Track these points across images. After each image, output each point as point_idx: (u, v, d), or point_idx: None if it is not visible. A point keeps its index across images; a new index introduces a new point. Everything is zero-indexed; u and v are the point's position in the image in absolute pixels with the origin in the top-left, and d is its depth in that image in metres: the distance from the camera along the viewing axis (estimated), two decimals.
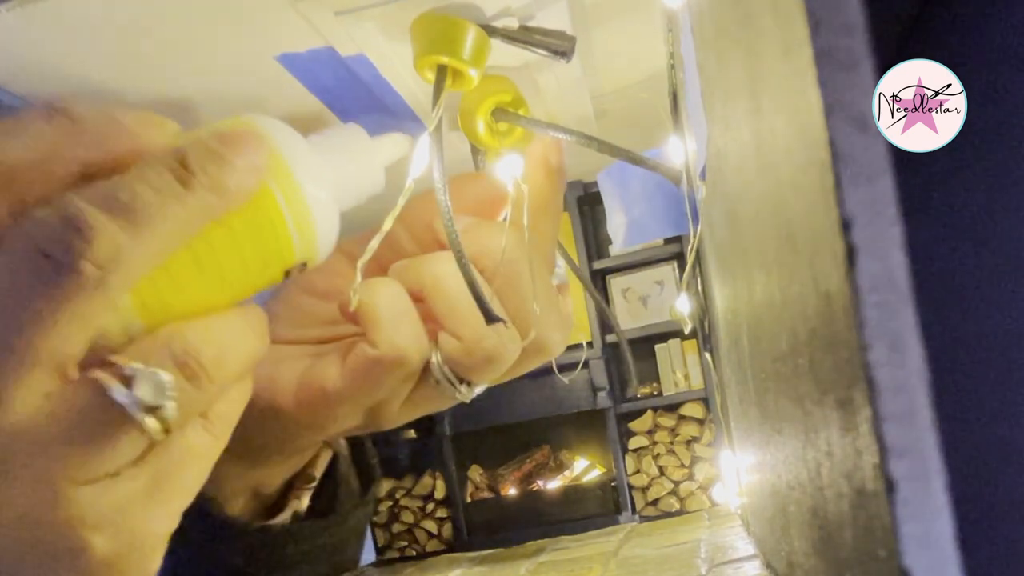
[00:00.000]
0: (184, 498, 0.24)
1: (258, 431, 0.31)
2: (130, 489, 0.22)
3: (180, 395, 0.22)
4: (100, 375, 0.21)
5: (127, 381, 0.21)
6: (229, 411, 0.25)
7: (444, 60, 0.31)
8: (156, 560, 0.23)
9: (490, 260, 0.31)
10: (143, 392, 0.21)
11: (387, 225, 0.29)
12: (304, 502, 0.39)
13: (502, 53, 0.33)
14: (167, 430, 0.22)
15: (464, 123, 0.33)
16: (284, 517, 0.37)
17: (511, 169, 0.32)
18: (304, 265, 0.27)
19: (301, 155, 0.26)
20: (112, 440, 0.21)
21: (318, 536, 0.38)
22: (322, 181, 0.27)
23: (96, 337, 0.21)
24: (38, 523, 0.21)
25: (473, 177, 0.34)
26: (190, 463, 0.23)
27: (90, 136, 0.22)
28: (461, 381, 0.32)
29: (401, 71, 0.36)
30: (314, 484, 0.39)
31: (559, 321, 0.34)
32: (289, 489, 0.39)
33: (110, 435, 0.21)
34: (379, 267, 0.34)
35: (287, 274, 0.27)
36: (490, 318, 0.30)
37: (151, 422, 0.21)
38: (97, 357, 0.21)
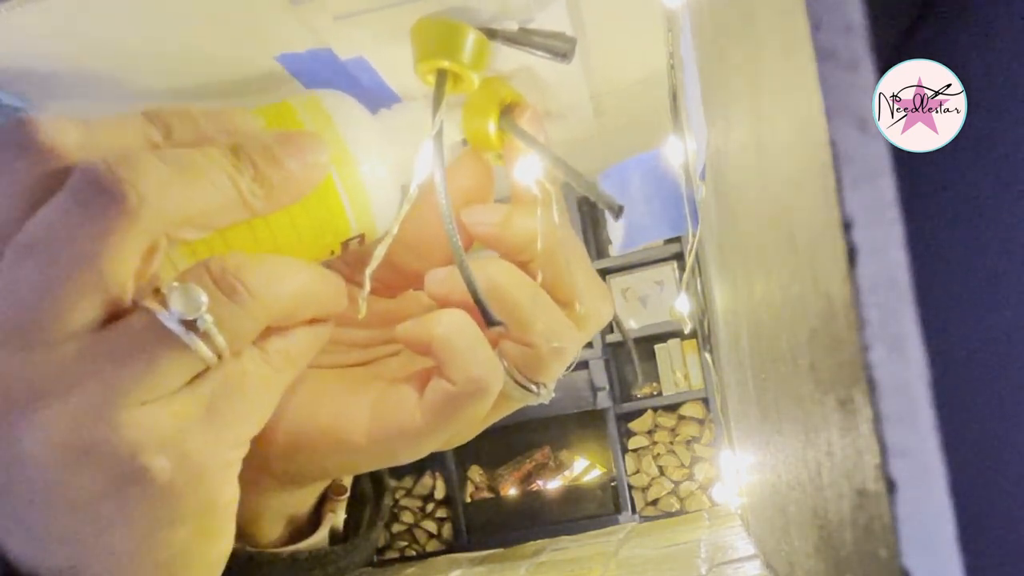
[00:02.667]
0: (243, 426, 0.24)
1: (322, 462, 0.31)
2: (187, 412, 0.22)
3: (219, 309, 0.22)
4: (148, 302, 0.22)
5: (166, 301, 0.22)
6: (291, 348, 0.26)
7: (444, 64, 0.31)
8: (223, 493, 0.24)
9: (534, 249, 0.31)
10: (176, 303, 0.22)
11: (394, 229, 0.29)
12: (340, 515, 0.38)
13: (502, 55, 0.33)
14: (218, 353, 0.23)
15: (470, 125, 0.33)
16: (322, 535, 0.37)
17: (532, 170, 0.32)
18: (362, 237, 0.29)
19: (362, 133, 0.28)
20: (162, 360, 0.22)
21: (343, 558, 0.37)
22: (381, 158, 0.28)
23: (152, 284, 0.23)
24: (100, 449, 0.21)
25: (453, 169, 0.33)
26: (247, 390, 0.24)
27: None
28: (535, 384, 0.32)
29: (401, 74, 0.36)
30: (346, 495, 0.39)
31: (603, 292, 0.34)
32: (321, 502, 0.38)
33: (160, 356, 0.22)
34: (383, 286, 0.34)
35: (345, 246, 0.28)
36: (491, 322, 0.30)
37: (196, 340, 0.22)
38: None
